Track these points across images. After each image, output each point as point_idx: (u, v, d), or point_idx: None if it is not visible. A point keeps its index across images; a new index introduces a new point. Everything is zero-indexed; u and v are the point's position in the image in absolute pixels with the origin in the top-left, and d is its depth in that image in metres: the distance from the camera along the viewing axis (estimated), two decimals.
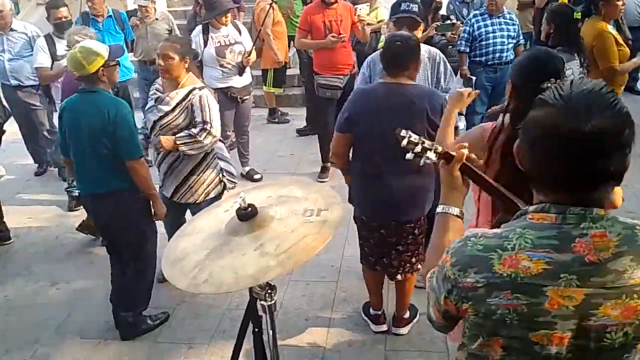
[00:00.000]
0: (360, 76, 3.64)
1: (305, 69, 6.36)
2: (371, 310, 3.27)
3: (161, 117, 3.36)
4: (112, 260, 3.36)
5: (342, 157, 2.93)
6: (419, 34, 3.24)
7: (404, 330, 3.21)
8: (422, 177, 2.78)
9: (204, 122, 3.32)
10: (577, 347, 1.12)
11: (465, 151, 1.48)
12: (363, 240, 3.05)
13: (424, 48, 3.32)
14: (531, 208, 1.17)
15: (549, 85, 1.77)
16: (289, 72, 7.34)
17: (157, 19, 5.95)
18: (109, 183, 3.03)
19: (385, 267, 3.02)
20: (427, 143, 1.47)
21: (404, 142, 1.45)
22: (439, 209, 1.51)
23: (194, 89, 3.35)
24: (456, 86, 3.30)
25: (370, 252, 3.04)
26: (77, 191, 4.70)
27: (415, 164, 2.65)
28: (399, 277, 3.02)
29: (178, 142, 3.31)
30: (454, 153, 1.48)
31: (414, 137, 1.45)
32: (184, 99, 3.34)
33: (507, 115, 1.97)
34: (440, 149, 1.47)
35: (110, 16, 5.65)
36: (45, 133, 5.44)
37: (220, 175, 3.56)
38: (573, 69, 3.83)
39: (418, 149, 1.46)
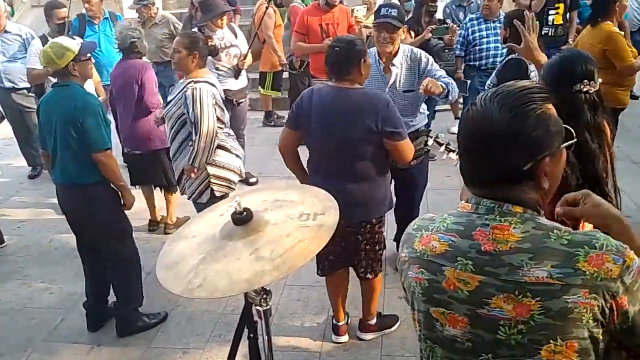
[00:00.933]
0: None
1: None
2: (333, 320, 3.25)
3: (166, 105, 3.52)
4: (91, 260, 3.36)
5: (287, 154, 2.97)
6: (398, 37, 3.26)
7: (367, 336, 3.21)
8: (366, 182, 2.79)
9: (194, 117, 3.28)
10: (474, 336, 1.17)
11: None
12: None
13: (405, 48, 3.37)
14: (464, 199, 1.25)
15: (582, 87, 1.79)
16: (285, 75, 7.33)
17: (156, 24, 5.93)
18: (79, 175, 3.11)
19: (353, 267, 3.05)
20: (453, 145, 1.50)
21: (430, 142, 1.49)
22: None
23: (191, 81, 3.36)
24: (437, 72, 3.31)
25: (330, 255, 2.98)
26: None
27: (357, 169, 2.63)
28: (369, 275, 3.03)
29: (194, 165, 3.34)
30: None
31: (442, 139, 1.48)
32: (180, 91, 3.40)
33: None
34: None
35: (106, 18, 5.64)
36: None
37: (207, 181, 3.45)
38: (536, 71, 3.88)
39: (442, 149, 1.48)
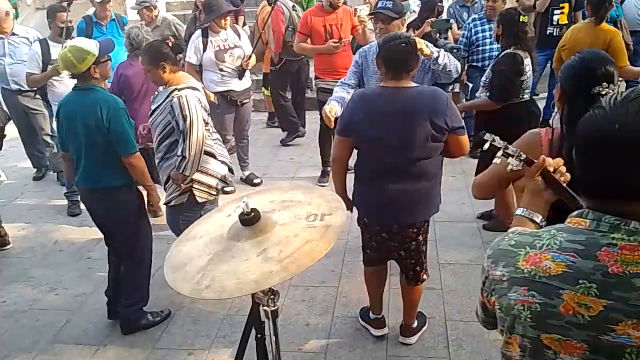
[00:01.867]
0: (353, 65, 3.66)
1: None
2: (371, 315, 3.25)
3: (151, 114, 3.46)
4: (110, 256, 3.45)
5: (342, 162, 2.90)
6: (397, 29, 3.29)
7: (412, 340, 3.17)
8: (426, 181, 2.76)
9: (184, 124, 3.23)
10: None
11: (550, 160, 1.47)
12: (366, 242, 3.03)
13: None
14: (574, 213, 1.15)
15: (602, 90, 1.74)
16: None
17: (157, 26, 5.93)
18: (103, 179, 3.12)
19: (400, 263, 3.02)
20: (511, 149, 1.46)
21: (486, 145, 1.44)
22: (519, 211, 1.48)
23: (174, 89, 3.31)
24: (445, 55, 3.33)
25: (373, 254, 3.02)
26: (76, 196, 4.70)
27: (419, 168, 2.62)
28: (425, 276, 3.03)
29: (185, 174, 3.30)
30: (536, 160, 1.46)
31: (498, 142, 1.43)
32: (165, 99, 3.34)
33: (557, 120, 1.92)
34: (523, 155, 1.46)
35: (113, 20, 5.65)
36: (45, 137, 5.41)
37: (188, 185, 3.40)
38: (530, 66, 3.95)
39: (499, 153, 1.44)
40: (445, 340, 3.17)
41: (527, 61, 3.90)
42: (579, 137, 1.11)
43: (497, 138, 1.45)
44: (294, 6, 6.06)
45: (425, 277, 3.03)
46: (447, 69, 3.34)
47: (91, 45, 3.06)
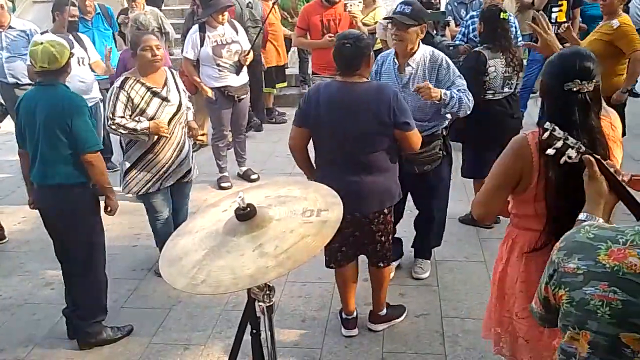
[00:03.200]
0: (372, 75, 3.58)
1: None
2: (343, 314, 3.25)
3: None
4: (62, 268, 3.25)
5: (298, 151, 2.97)
6: (414, 36, 3.17)
7: (378, 327, 3.22)
8: (377, 173, 2.83)
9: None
10: None
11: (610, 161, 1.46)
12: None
13: (427, 50, 3.29)
14: None
15: (573, 86, 1.72)
16: (287, 71, 7.34)
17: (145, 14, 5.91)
18: (56, 176, 3.00)
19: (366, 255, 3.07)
20: (571, 140, 1.43)
21: (545, 134, 1.40)
22: (581, 216, 1.45)
23: None
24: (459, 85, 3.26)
25: (343, 247, 3.00)
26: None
27: (369, 161, 2.60)
28: (381, 264, 3.07)
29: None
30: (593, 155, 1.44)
31: (558, 132, 1.40)
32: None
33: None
34: (583, 148, 1.43)
35: (98, 13, 5.63)
36: None
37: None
38: (497, 66, 3.95)
39: (559, 144, 1.41)
40: (441, 336, 3.18)
41: (494, 61, 3.90)
42: None
43: (557, 127, 1.41)
44: (248, 3, 6.05)
45: (382, 264, 3.06)
46: (458, 113, 3.25)
47: (64, 41, 3.14)
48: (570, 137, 1.43)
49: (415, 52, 3.24)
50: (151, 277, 3.75)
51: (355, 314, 3.24)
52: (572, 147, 1.41)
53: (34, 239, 4.52)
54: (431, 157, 3.36)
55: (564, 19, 5.88)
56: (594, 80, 1.74)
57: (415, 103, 3.23)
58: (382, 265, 3.08)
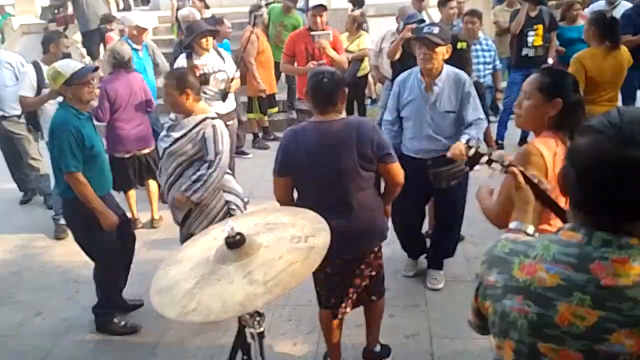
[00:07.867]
0: (392, 98, 3.65)
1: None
2: None
3: (170, 144, 3.33)
4: None
5: (284, 201, 2.81)
6: (440, 56, 3.35)
7: None
8: (366, 212, 2.73)
9: (216, 154, 3.26)
10: None
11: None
12: (318, 280, 2.89)
13: (449, 70, 3.45)
14: (566, 226, 1.19)
15: None
16: (277, 97, 7.45)
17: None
18: (62, 189, 3.36)
19: (358, 299, 2.92)
20: (495, 155, 1.53)
21: (471, 152, 1.49)
22: (512, 224, 1.52)
23: (205, 118, 3.32)
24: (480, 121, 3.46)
25: (326, 294, 2.91)
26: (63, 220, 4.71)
27: (355, 201, 2.63)
28: (374, 297, 2.96)
29: (187, 195, 3.27)
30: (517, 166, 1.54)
31: (482, 149, 1.50)
32: (193, 127, 3.30)
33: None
34: (507, 161, 1.54)
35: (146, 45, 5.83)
36: (30, 161, 5.41)
37: (226, 207, 3.45)
38: None
39: (484, 159, 1.50)
40: (431, 357, 3.21)
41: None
42: (579, 164, 1.12)
43: (481, 145, 1.52)
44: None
45: (375, 297, 2.97)
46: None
47: (65, 68, 3.28)
48: (493, 152, 1.53)
49: (441, 72, 3.40)
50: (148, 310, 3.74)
51: None
52: (497, 162, 1.52)
53: (24, 268, 4.52)
54: (459, 172, 3.37)
55: (540, 43, 6.02)
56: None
57: (443, 122, 3.45)
58: (374, 298, 2.98)
